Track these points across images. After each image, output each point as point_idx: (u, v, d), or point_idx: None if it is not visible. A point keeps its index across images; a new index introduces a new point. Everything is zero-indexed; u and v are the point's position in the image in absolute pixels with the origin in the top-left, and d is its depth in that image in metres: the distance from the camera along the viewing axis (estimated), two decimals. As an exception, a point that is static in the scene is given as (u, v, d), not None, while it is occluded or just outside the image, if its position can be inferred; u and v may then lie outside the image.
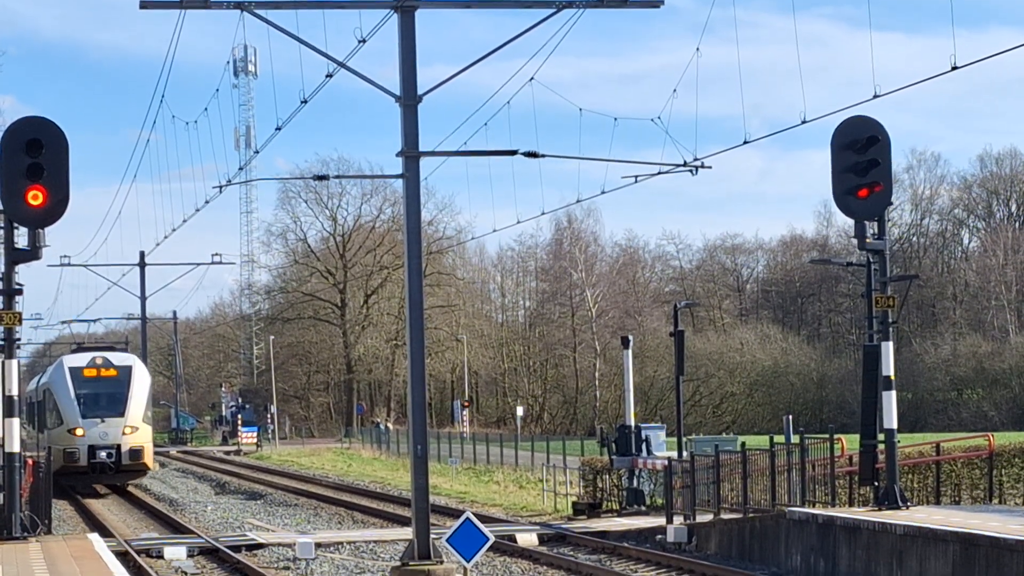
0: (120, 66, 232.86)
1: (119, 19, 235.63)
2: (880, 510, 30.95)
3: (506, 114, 35.27)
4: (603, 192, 37.86)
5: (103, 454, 58.84)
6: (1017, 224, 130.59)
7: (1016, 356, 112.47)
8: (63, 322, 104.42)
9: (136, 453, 59.56)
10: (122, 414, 59.75)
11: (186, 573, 32.74)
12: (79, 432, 58.74)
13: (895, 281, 35.34)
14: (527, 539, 37.37)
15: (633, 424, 45.77)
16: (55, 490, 44.51)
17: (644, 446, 45.28)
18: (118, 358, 62.33)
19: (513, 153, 32.58)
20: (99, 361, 61.15)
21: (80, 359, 61.88)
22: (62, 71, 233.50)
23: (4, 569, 24.48)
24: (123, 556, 32.03)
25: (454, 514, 40.09)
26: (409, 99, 29.60)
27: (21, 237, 30.24)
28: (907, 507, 31.71)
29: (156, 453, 76.12)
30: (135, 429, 59.81)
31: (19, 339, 30.89)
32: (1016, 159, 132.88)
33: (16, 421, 29.85)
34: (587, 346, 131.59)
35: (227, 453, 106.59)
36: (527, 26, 30.11)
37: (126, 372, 61.13)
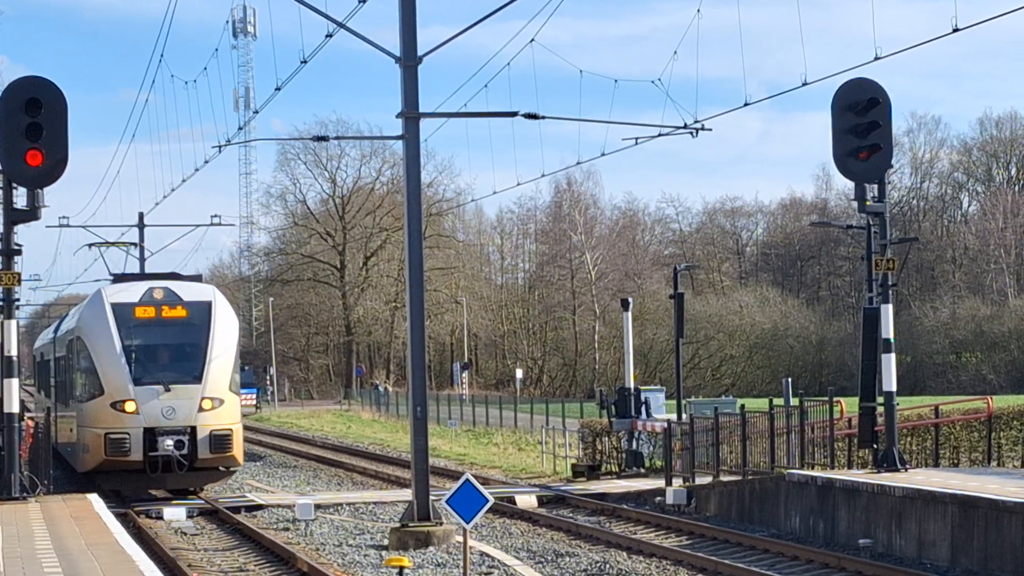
0: (115, 26, 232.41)
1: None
2: (879, 472, 31.08)
3: (506, 76, 35.23)
4: (603, 154, 37.83)
5: (168, 443, 36.83)
6: (1017, 188, 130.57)
7: (1015, 319, 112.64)
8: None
9: (221, 441, 37.48)
10: (198, 378, 37.72)
11: (186, 534, 32.79)
12: (129, 407, 36.98)
13: (895, 244, 35.46)
14: (526, 501, 37.42)
15: (632, 386, 45.78)
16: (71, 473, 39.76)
17: (643, 408, 45.31)
18: (190, 290, 39.63)
19: (513, 115, 32.54)
20: (159, 295, 39.04)
21: (129, 291, 39.36)
22: (56, 31, 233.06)
23: (4, 529, 24.55)
24: (123, 517, 32.08)
25: (453, 476, 40.14)
26: (409, 60, 29.53)
27: (20, 198, 30.31)
28: (906, 469, 31.81)
29: None
30: (218, 403, 37.83)
31: (18, 300, 31.07)
32: (1016, 122, 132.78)
33: (15, 382, 29.97)
34: (586, 309, 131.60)
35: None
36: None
37: (202, 313, 38.90)
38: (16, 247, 30.04)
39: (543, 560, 27.47)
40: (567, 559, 27.46)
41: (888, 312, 31.74)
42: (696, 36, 32.25)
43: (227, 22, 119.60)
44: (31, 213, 29.78)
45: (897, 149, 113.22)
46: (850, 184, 32.75)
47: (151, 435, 36.71)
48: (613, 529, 32.54)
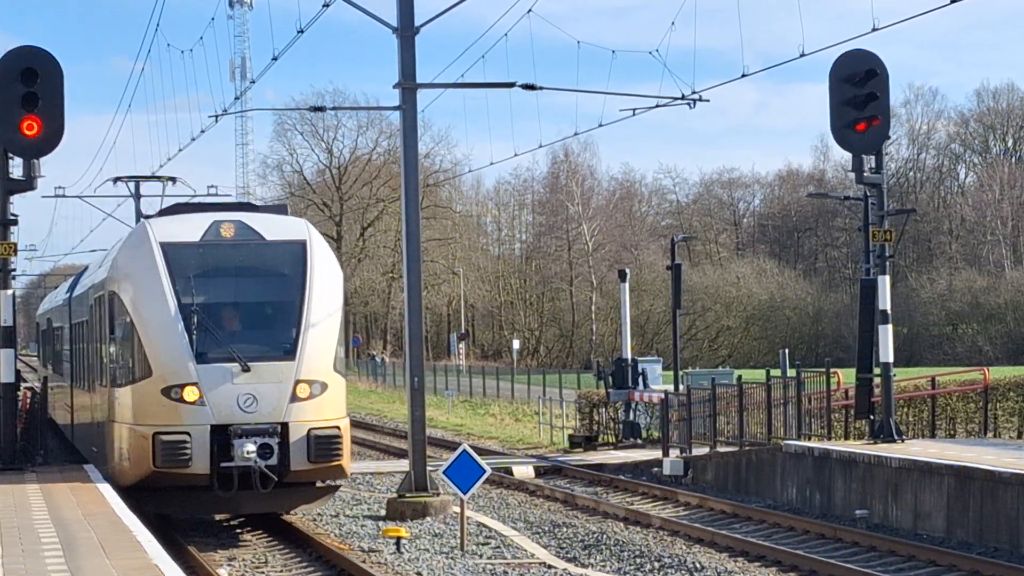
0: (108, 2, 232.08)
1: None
2: (875, 443, 31.22)
3: (504, 47, 35.27)
4: (600, 125, 37.95)
5: (248, 447, 25.51)
6: (1013, 159, 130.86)
7: (1011, 291, 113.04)
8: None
9: (325, 444, 26.08)
10: (290, 352, 26.29)
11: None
12: (190, 395, 25.76)
13: (892, 215, 35.62)
14: (523, 472, 37.54)
15: (630, 357, 45.93)
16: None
17: (641, 379, 45.47)
18: (273, 225, 27.76)
19: (511, 86, 32.68)
20: (228, 231, 27.25)
21: (185, 227, 27.59)
22: (42, 8, 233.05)
23: (1, 500, 24.64)
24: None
25: (450, 447, 40.28)
26: (406, 30, 29.67)
27: (16, 168, 30.43)
28: (902, 440, 32.00)
29: None
30: (319, 388, 26.36)
31: (14, 270, 31.20)
32: (1014, 94, 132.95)
33: (12, 352, 30.23)
34: (583, 279, 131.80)
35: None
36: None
37: (295, 257, 27.15)
38: (12, 217, 30.15)
39: (540, 531, 27.58)
40: (564, 529, 27.55)
41: (885, 283, 31.91)
42: (694, 7, 32.28)
43: None
44: (27, 183, 29.98)
45: (894, 120, 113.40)
46: (847, 155, 33.28)
47: (223, 436, 25.35)
48: (610, 500, 32.67)
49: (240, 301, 26.93)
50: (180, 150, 51.33)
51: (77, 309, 35.67)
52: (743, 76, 32.53)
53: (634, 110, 36.23)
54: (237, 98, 53.19)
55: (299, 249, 26.91)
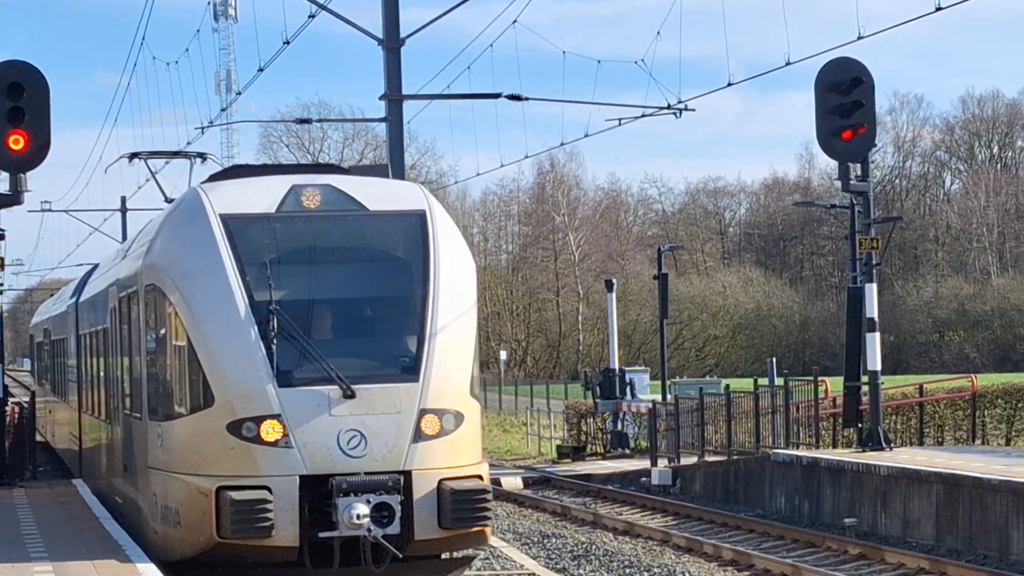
0: (90, 9, 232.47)
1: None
2: (864, 451, 31.35)
3: (489, 57, 35.42)
4: (587, 135, 38.12)
5: (359, 509, 17.37)
6: (999, 166, 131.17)
7: (997, 298, 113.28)
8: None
9: (468, 503, 17.87)
10: (412, 371, 18.21)
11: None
12: (270, 432, 17.69)
13: (878, 223, 35.80)
14: (512, 482, 37.60)
15: (617, 367, 46.07)
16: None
17: (628, 389, 45.61)
18: (377, 191, 19.59)
19: (497, 96, 32.89)
20: (313, 199, 19.06)
21: (253, 193, 19.40)
22: (30, 14, 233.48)
23: None
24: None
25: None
26: (392, 42, 30.12)
27: (2, 182, 30.26)
28: (891, 448, 32.14)
29: None
30: (454, 421, 18.27)
31: (1, 284, 31.30)
32: (998, 101, 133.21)
33: None
34: (570, 290, 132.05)
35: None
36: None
37: (411, 234, 19.26)
38: None
39: (529, 542, 27.63)
40: (553, 540, 27.61)
41: (872, 291, 32.07)
42: (679, 16, 32.46)
43: (208, 4, 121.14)
44: (14, 198, 29.61)
45: (880, 128, 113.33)
46: (833, 164, 33.14)
47: (318, 492, 17.83)
48: (599, 510, 32.72)
49: (337, 297, 19.17)
50: (166, 163, 51.27)
51: (87, 316, 29.78)
52: (729, 85, 32.74)
53: (619, 120, 36.42)
54: (223, 110, 52.65)
55: (416, 223, 19.27)
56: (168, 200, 29.06)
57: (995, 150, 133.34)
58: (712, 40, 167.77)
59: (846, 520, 28.70)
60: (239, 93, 69.94)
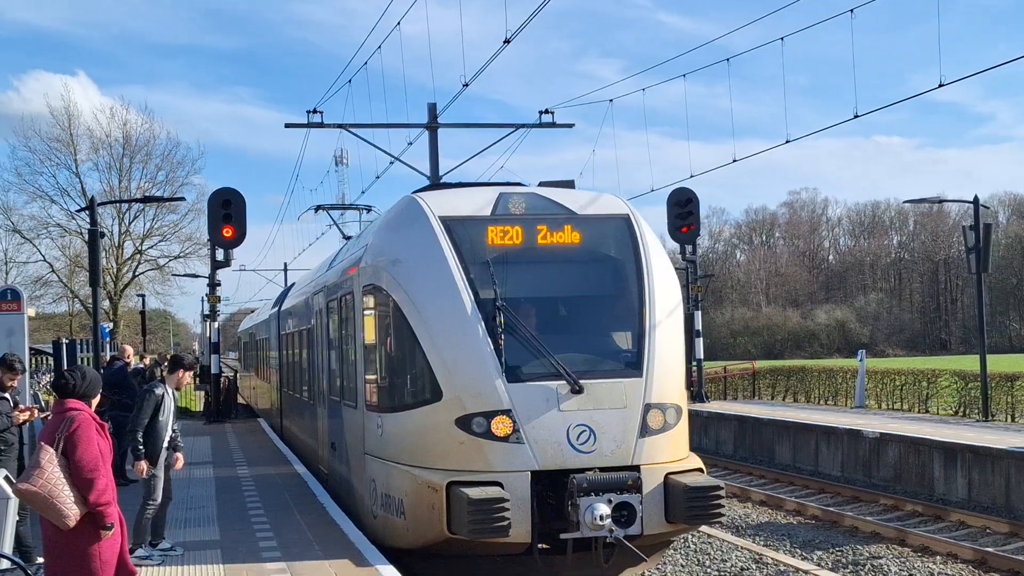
0: (268, 161, 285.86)
1: (271, 132, 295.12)
2: (693, 403, 40.18)
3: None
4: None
5: (598, 508, 16.29)
6: (764, 248, 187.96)
7: (765, 319, 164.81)
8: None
9: (704, 498, 16.58)
10: (635, 365, 17.48)
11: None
12: (500, 427, 16.71)
13: (702, 278, 44.41)
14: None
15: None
16: None
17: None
18: (579, 199, 19.18)
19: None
20: (519, 206, 18.51)
21: (468, 200, 18.83)
22: (230, 165, 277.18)
23: (213, 436, 31.07)
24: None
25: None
26: (434, 179, 36.06)
27: (219, 254, 39.72)
28: (708, 401, 42.20)
29: None
30: (674, 414, 17.53)
31: (218, 312, 41.23)
32: (765, 212, 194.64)
33: (218, 356, 39.53)
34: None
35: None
36: (498, 137, 39.89)
37: (621, 238, 18.69)
38: (217, 282, 40.39)
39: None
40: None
41: (698, 316, 42.13)
42: (592, 165, 49.95)
43: (333, 155, 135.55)
44: (225, 263, 39.46)
45: (703, 225, 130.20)
46: (676, 245, 41.83)
47: (550, 486, 16.80)
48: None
49: (559, 295, 18.23)
50: (310, 244, 66.06)
51: (288, 320, 31.87)
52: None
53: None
54: (334, 223, 59.58)
55: (624, 225, 18.78)
56: (346, 238, 30.89)
57: (763, 238, 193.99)
58: (611, 181, 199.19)
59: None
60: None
